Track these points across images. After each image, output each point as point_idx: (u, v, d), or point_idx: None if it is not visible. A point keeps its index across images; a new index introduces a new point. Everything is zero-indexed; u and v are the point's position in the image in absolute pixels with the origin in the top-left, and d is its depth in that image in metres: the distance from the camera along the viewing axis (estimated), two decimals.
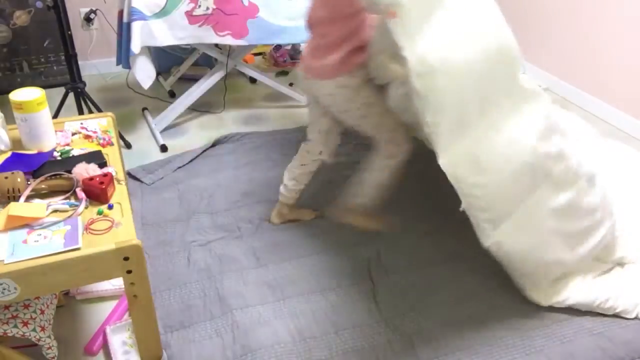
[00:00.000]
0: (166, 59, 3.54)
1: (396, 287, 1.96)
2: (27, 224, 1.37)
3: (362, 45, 1.83)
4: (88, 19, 3.43)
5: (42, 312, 1.49)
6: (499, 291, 1.95)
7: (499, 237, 1.73)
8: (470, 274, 2.03)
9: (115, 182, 1.54)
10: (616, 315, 1.86)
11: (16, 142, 1.67)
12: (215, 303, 1.89)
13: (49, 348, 1.47)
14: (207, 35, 2.71)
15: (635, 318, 1.85)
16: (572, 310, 1.87)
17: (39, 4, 3.14)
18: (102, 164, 1.58)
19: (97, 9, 3.41)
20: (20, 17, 3.14)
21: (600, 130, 2.73)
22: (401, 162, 2.05)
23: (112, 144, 1.74)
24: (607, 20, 3.09)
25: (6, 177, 1.43)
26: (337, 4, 1.77)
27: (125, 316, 1.83)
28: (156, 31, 2.59)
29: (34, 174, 1.52)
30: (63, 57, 3.30)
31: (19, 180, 1.44)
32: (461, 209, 1.68)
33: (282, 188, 2.24)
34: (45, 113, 1.62)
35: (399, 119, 1.98)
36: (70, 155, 1.64)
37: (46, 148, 1.65)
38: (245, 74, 3.22)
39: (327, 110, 2.01)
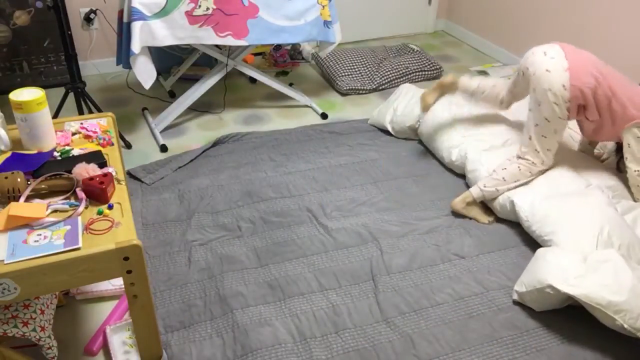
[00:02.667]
0: (166, 59, 3.54)
1: (396, 287, 1.96)
2: (27, 224, 1.37)
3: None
4: (88, 19, 3.43)
5: (42, 312, 1.49)
6: (499, 291, 1.96)
7: None
8: (470, 274, 2.03)
9: (115, 182, 1.54)
10: None
11: (16, 142, 1.67)
12: (216, 303, 1.89)
13: (49, 348, 1.47)
14: (207, 36, 2.71)
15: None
16: (572, 310, 1.87)
17: (39, 4, 3.14)
18: (102, 164, 1.58)
19: (97, 9, 3.41)
20: (20, 17, 3.14)
21: None
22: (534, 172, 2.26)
23: (112, 144, 1.74)
24: (598, 16, 3.10)
25: (6, 177, 1.43)
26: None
27: (125, 316, 1.83)
28: (156, 31, 2.59)
29: (34, 174, 1.52)
30: (63, 57, 3.31)
31: (19, 180, 1.44)
32: None
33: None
34: (45, 113, 1.62)
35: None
36: (70, 155, 1.64)
37: (46, 148, 1.65)
38: (245, 74, 3.22)
39: (529, 86, 2.21)
